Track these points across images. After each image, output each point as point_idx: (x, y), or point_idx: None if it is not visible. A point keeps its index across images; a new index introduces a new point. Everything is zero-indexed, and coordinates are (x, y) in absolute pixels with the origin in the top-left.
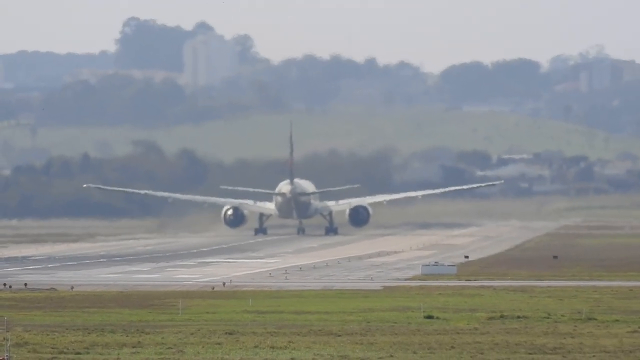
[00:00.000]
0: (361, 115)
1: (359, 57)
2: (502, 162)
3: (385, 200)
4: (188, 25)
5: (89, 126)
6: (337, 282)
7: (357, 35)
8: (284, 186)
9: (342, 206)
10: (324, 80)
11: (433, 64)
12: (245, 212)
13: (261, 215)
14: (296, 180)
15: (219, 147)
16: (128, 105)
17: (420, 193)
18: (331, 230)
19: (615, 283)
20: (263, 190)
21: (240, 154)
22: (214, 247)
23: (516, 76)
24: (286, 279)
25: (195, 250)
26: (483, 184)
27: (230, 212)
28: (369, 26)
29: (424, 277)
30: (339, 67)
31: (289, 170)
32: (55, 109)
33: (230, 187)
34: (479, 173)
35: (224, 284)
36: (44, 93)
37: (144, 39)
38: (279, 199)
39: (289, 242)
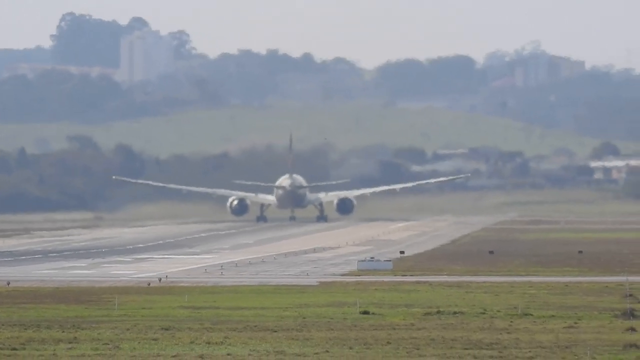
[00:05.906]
0: (299, 110)
1: (295, 53)
2: (439, 158)
3: (369, 193)
4: (124, 20)
5: (26, 122)
6: (273, 278)
7: (292, 30)
8: (284, 180)
9: (330, 197)
10: (261, 75)
11: (369, 60)
12: (249, 202)
13: (262, 205)
14: (294, 175)
15: (156, 142)
16: (65, 100)
17: (398, 186)
18: (322, 218)
19: (550, 279)
20: (265, 184)
21: (178, 149)
22: (150, 244)
23: (452, 72)
24: (222, 274)
25: (130, 247)
26: (454, 177)
27: (235, 202)
28: (305, 21)
29: (360, 272)
30: (275, 62)
31: (289, 166)
32: None
33: (238, 181)
34: (416, 168)
35: (159, 279)
36: None
37: (80, 34)
38: (279, 191)
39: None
